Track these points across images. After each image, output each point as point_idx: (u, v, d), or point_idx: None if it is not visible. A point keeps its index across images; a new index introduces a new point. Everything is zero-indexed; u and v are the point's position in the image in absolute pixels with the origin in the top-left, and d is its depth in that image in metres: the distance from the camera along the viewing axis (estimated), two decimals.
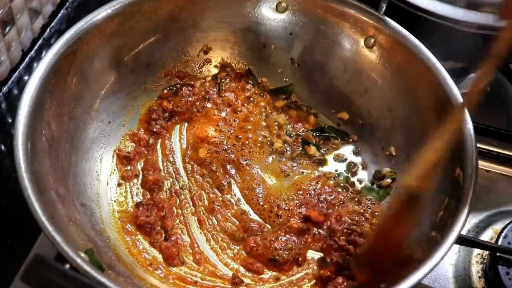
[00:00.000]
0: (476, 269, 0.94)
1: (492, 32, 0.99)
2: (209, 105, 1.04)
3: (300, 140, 1.03)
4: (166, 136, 1.00)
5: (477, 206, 1.00)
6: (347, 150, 1.03)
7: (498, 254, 0.90)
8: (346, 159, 1.02)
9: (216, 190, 0.95)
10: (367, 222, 0.92)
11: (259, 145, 1.01)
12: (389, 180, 0.97)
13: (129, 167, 0.95)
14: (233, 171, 0.97)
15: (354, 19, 1.00)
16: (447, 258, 0.94)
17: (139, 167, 0.96)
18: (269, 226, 0.92)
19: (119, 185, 0.93)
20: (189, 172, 0.97)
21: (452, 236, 0.75)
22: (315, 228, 0.92)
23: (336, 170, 1.00)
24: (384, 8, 0.97)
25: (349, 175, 1.00)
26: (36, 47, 1.14)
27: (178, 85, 1.04)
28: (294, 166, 1.00)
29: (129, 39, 0.96)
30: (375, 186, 0.98)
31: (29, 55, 1.12)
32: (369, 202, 0.95)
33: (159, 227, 0.89)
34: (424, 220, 0.85)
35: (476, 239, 0.93)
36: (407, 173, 0.82)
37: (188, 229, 0.91)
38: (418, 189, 0.78)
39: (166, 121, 1.01)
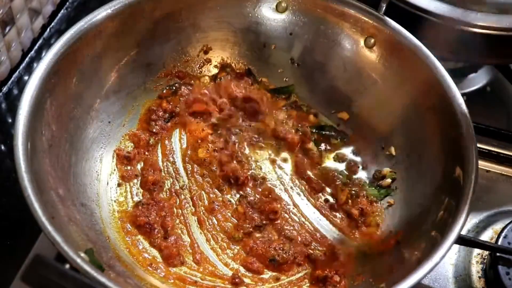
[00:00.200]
0: (476, 269, 0.94)
1: (492, 32, 0.99)
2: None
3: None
4: (166, 136, 1.00)
5: (477, 206, 1.00)
6: (347, 150, 1.03)
7: (498, 254, 0.90)
8: (346, 159, 1.02)
9: (216, 190, 0.95)
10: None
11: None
12: (389, 180, 0.97)
13: (129, 167, 0.95)
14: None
15: (354, 19, 1.00)
16: (447, 258, 0.94)
17: (139, 167, 0.96)
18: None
19: (119, 185, 0.93)
20: (189, 172, 0.97)
21: (452, 236, 0.75)
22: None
23: (336, 170, 1.00)
24: (384, 8, 0.97)
25: (349, 174, 0.99)
26: (36, 47, 1.14)
27: (177, 85, 1.04)
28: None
29: (129, 39, 0.96)
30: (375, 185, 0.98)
31: (29, 55, 1.12)
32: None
33: (159, 227, 0.89)
34: (424, 220, 0.85)
35: (476, 239, 0.93)
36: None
37: (188, 229, 0.91)
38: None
39: (166, 122, 1.01)
